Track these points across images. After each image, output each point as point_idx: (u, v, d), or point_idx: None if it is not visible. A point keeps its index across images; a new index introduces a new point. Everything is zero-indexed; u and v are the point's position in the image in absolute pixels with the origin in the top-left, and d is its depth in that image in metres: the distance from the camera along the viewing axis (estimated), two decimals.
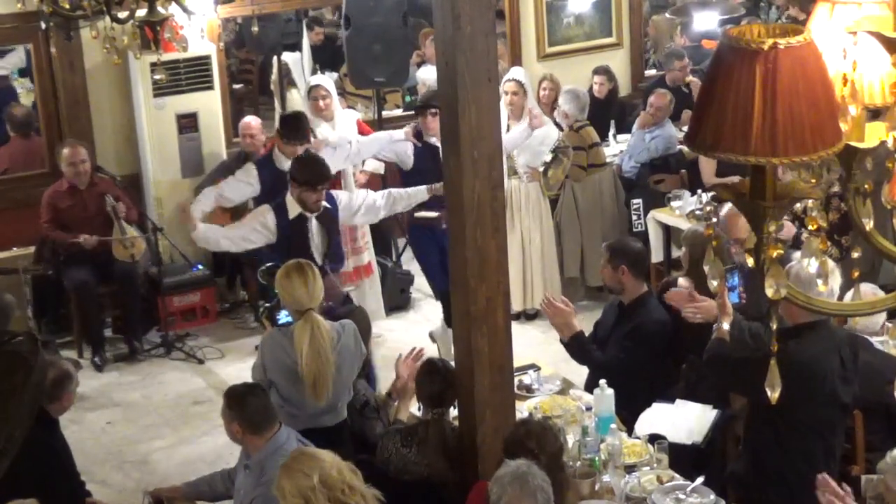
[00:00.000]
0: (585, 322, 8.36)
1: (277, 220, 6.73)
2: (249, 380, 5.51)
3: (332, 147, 7.85)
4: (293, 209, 6.75)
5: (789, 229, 6.44)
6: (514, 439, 4.59)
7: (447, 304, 8.04)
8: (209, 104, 8.96)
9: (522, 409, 5.44)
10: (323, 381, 5.21)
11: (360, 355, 5.55)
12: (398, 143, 7.90)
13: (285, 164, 7.45)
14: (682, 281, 6.18)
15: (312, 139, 7.99)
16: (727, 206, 6.35)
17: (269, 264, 6.47)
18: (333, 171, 7.86)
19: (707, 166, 8.72)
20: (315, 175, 6.70)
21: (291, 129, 7.65)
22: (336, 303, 6.53)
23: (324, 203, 6.79)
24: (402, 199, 7.34)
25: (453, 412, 5.17)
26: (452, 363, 5.19)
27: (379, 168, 8.85)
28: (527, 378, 5.93)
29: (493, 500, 4.13)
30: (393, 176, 8.97)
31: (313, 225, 6.77)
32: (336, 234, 6.93)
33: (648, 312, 5.97)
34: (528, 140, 8.27)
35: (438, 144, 7.65)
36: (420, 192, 7.34)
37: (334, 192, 7.03)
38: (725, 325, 5.17)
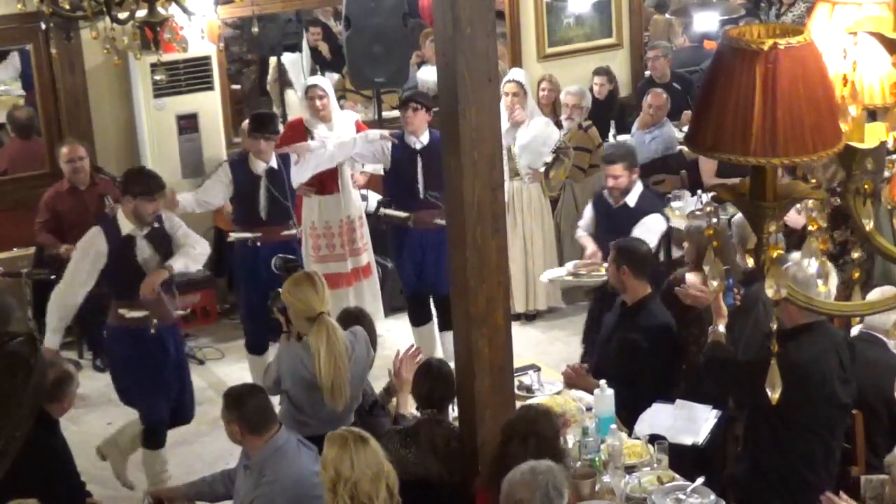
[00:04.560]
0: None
1: (107, 238, 6.43)
2: (249, 380, 5.51)
3: (311, 151, 7.83)
4: (125, 226, 6.45)
5: (797, 220, 6.42)
6: (509, 419, 4.68)
7: (410, 305, 8.19)
8: (209, 105, 8.96)
9: None
10: (340, 385, 5.19)
11: (370, 361, 5.57)
12: (374, 143, 7.88)
13: (259, 166, 7.51)
14: (689, 276, 6.19)
15: (299, 144, 7.94)
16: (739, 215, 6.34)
17: (282, 255, 6.47)
18: (306, 177, 7.85)
19: (707, 166, 8.72)
20: (152, 187, 6.41)
21: (256, 122, 7.62)
22: (164, 322, 6.53)
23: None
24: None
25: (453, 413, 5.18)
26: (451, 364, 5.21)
27: (378, 169, 8.84)
28: (527, 378, 5.93)
29: (504, 479, 4.15)
30: None
31: (143, 245, 6.46)
32: (169, 254, 6.54)
33: (652, 315, 5.97)
34: (511, 141, 8.27)
35: (416, 147, 7.75)
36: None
37: (163, 213, 6.63)
38: (721, 328, 5.18)
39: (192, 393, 6.98)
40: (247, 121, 8.97)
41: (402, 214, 7.83)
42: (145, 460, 6.80)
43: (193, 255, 6.65)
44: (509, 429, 4.61)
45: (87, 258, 6.46)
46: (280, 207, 7.60)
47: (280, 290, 5.51)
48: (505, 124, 7.91)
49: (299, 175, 7.74)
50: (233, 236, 7.74)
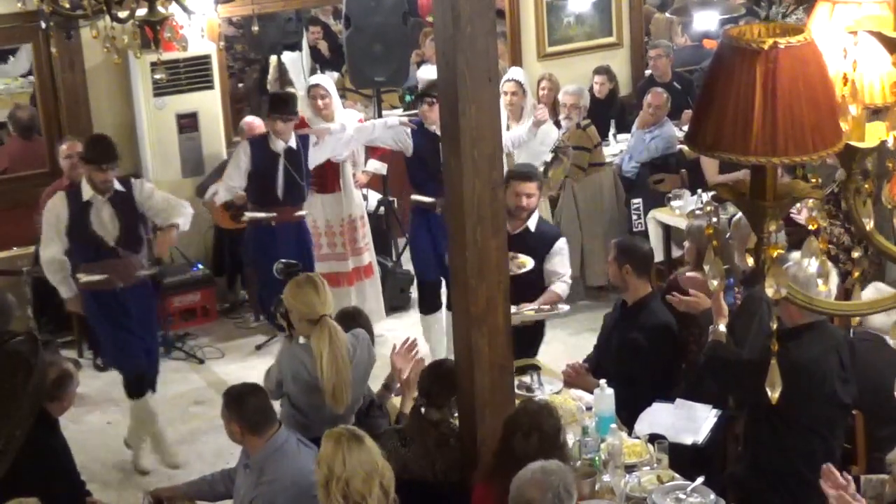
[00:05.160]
0: (586, 321, 8.42)
1: (69, 202, 6.67)
2: (249, 380, 5.50)
3: (331, 134, 7.89)
4: (86, 192, 6.68)
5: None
6: (510, 416, 4.67)
7: (423, 292, 8.14)
8: (209, 104, 8.96)
9: None
10: (342, 388, 5.19)
11: (372, 363, 5.56)
12: (394, 129, 7.89)
13: (278, 145, 7.59)
14: (691, 276, 6.19)
15: (315, 127, 8.02)
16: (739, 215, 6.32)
17: (283, 261, 6.50)
18: (323, 159, 7.93)
19: (709, 165, 8.71)
20: (98, 155, 6.62)
21: (275, 102, 7.71)
22: (128, 283, 6.78)
23: (118, 186, 6.71)
24: (176, 209, 6.98)
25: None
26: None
27: (381, 169, 8.85)
28: (527, 378, 5.93)
29: (513, 478, 4.15)
30: (395, 177, 8.97)
31: (105, 209, 6.66)
32: (133, 218, 6.78)
33: (652, 315, 5.96)
34: (532, 138, 8.28)
35: (439, 133, 7.73)
36: (184, 216, 7.03)
37: (133, 180, 6.98)
38: (721, 327, 5.17)
39: (156, 356, 7.21)
40: (245, 119, 9.01)
41: (429, 200, 7.83)
42: (132, 411, 7.06)
43: (187, 214, 6.94)
44: (512, 424, 4.61)
45: (50, 221, 6.76)
46: (296, 187, 7.70)
47: (282, 297, 5.51)
48: (504, 124, 7.92)
49: (316, 157, 7.83)
50: (247, 216, 7.77)
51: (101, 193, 6.67)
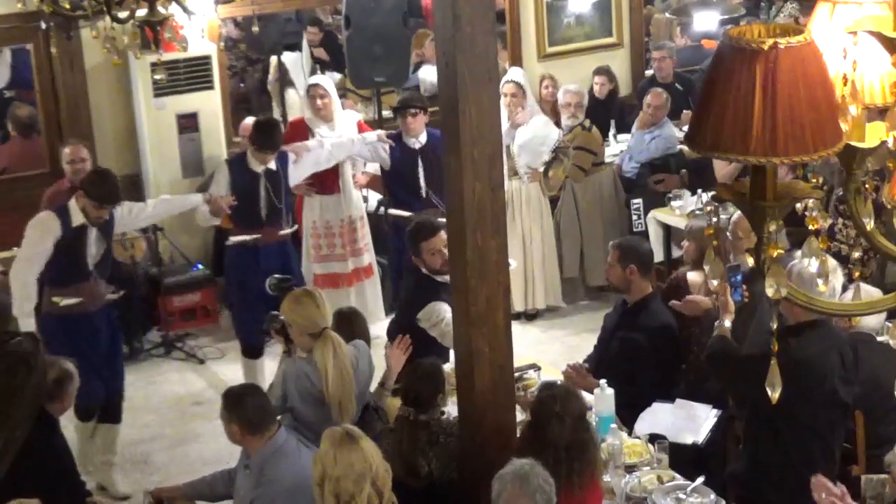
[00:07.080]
0: (586, 321, 8.43)
1: (61, 224, 6.57)
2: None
3: (309, 151, 7.82)
4: (77, 217, 6.58)
5: None
6: (541, 402, 4.69)
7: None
8: (209, 104, 8.95)
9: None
10: (348, 400, 5.18)
11: (372, 373, 5.56)
12: (372, 144, 7.88)
13: (257, 167, 7.46)
14: (692, 275, 6.18)
15: (297, 144, 7.91)
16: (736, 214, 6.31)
17: (277, 276, 6.46)
18: (303, 177, 7.85)
19: (720, 165, 8.66)
20: (104, 195, 6.54)
21: (264, 137, 7.48)
22: (96, 307, 6.69)
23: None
24: (173, 204, 7.37)
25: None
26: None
27: (379, 169, 8.84)
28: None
29: (493, 497, 4.15)
30: None
31: (92, 234, 6.61)
32: (110, 244, 6.83)
33: (653, 315, 5.96)
34: (510, 141, 8.27)
35: (416, 147, 7.76)
36: (192, 199, 7.41)
37: (115, 208, 6.82)
38: (727, 323, 5.17)
39: (120, 384, 7.02)
40: (246, 120, 8.99)
41: (407, 214, 7.83)
42: (77, 429, 6.85)
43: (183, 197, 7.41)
44: (543, 410, 4.60)
45: (34, 239, 6.62)
46: (275, 208, 7.55)
47: (275, 312, 5.49)
48: (504, 124, 7.92)
49: (297, 174, 7.73)
50: (232, 240, 7.60)
51: (91, 224, 6.60)
